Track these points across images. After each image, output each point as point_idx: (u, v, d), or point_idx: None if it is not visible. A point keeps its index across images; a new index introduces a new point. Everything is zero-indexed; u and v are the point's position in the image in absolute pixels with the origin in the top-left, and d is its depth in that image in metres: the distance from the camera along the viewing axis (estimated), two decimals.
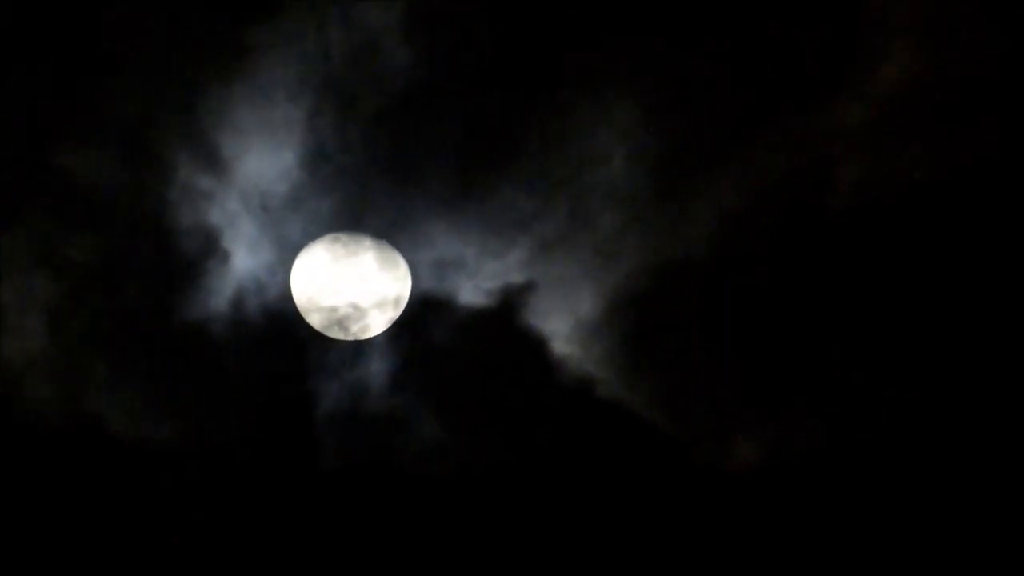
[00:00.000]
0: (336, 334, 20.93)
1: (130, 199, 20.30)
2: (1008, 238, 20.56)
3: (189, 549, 20.97)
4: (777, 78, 20.50)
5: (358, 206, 20.53)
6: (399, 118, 20.50)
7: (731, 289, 20.87)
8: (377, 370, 21.16)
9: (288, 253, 20.73)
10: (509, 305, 21.11)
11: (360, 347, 21.08)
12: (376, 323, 20.95)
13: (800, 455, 20.83)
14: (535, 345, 21.07)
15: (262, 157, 20.46)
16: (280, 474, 21.12)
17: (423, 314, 21.08)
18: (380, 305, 20.84)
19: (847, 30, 20.46)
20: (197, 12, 20.07)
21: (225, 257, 20.62)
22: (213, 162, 20.36)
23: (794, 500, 20.89)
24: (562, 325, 21.14)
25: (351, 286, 20.67)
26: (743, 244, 20.81)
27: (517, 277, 21.08)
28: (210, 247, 20.52)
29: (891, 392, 20.78)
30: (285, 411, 21.08)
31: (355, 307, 20.69)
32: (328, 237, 20.66)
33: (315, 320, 20.83)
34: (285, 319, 20.83)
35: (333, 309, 20.68)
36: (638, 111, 20.62)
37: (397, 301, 20.92)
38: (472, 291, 21.12)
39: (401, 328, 21.08)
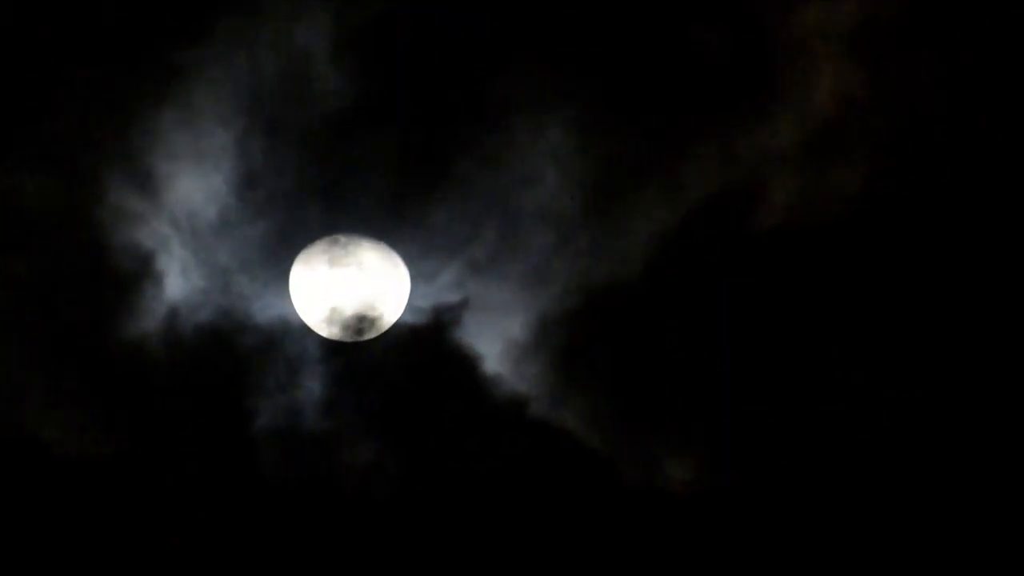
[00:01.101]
0: (336, 335, 21.10)
1: (63, 220, 20.43)
2: (934, 256, 20.75)
3: (130, 562, 21.11)
4: (707, 99, 20.64)
5: (288, 229, 20.66)
6: (330, 142, 20.66)
7: (662, 309, 21.00)
8: (313, 387, 21.28)
9: (218, 276, 20.84)
10: (441, 325, 21.24)
11: (298, 363, 21.21)
12: (376, 325, 21.11)
13: (730, 477, 20.94)
14: (467, 364, 21.20)
15: (193, 180, 20.59)
16: (218, 490, 21.24)
17: (359, 333, 21.20)
18: (379, 307, 20.97)
19: (776, 52, 20.60)
20: (129, 36, 20.20)
21: (159, 278, 20.75)
22: (145, 184, 20.49)
23: (725, 521, 21.01)
24: (494, 345, 21.26)
25: (350, 288, 20.78)
26: (673, 264, 20.94)
27: (449, 297, 21.21)
28: (143, 268, 20.65)
29: (822, 414, 20.92)
30: (222, 428, 21.19)
31: (354, 309, 20.82)
32: (327, 239, 20.80)
33: (314, 322, 21.00)
34: (220, 337, 20.95)
35: (333, 311, 20.81)
36: (569, 133, 20.76)
37: (396, 303, 21.08)
38: (406, 311, 21.26)
39: (336, 346, 21.22)
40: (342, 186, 20.78)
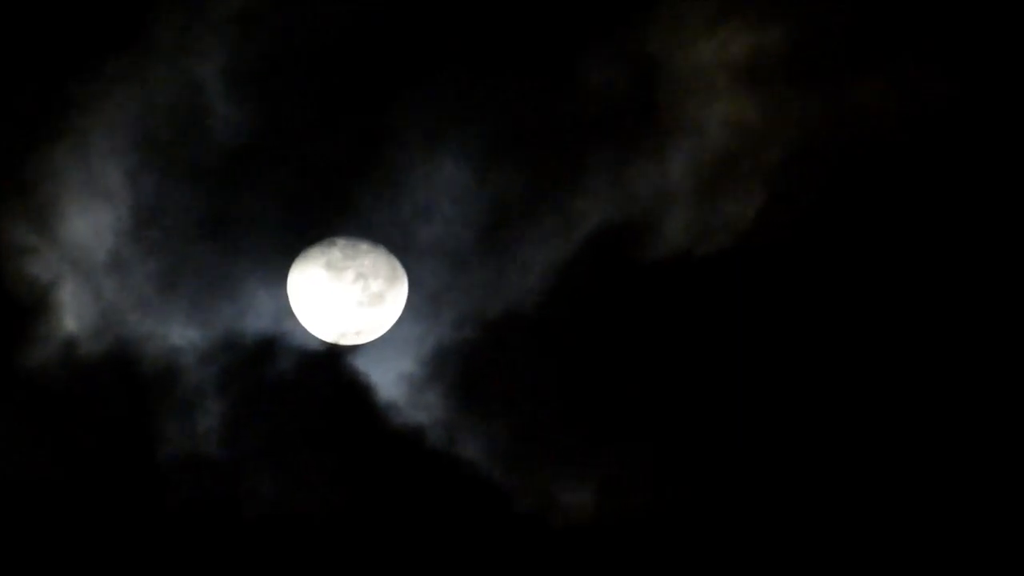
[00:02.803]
0: (335, 339, 21.18)
1: None
2: (825, 286, 20.84)
3: None
4: (600, 133, 20.70)
5: (180, 264, 20.76)
6: (224, 175, 20.71)
7: (557, 339, 21.07)
8: (215, 412, 21.34)
9: (113, 308, 20.93)
10: (338, 353, 21.31)
11: (197, 392, 21.26)
12: (374, 328, 21.18)
13: (629, 510, 20.98)
14: (362, 393, 21.27)
15: (87, 213, 20.67)
16: (116, 518, 21.31)
17: (255, 360, 21.28)
18: (378, 310, 21.04)
19: (669, 86, 20.65)
20: (21, 68, 20.30)
21: (54, 310, 20.85)
22: (39, 218, 20.59)
23: (621, 556, 21.05)
24: (390, 373, 21.33)
25: (349, 291, 20.86)
26: (568, 295, 21.02)
27: (347, 326, 21.26)
28: (39, 300, 20.76)
29: (719, 440, 20.99)
30: (121, 457, 21.27)
31: (353, 312, 20.90)
32: (325, 242, 20.89)
33: (312, 325, 21.11)
34: (116, 368, 21.04)
35: (333, 313, 20.90)
36: (463, 166, 20.82)
37: (394, 306, 21.15)
38: (303, 338, 21.32)
39: (235, 372, 21.29)
40: (237, 220, 20.87)
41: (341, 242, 20.77)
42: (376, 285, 20.94)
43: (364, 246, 20.85)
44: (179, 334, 21.00)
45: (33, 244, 20.65)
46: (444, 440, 21.24)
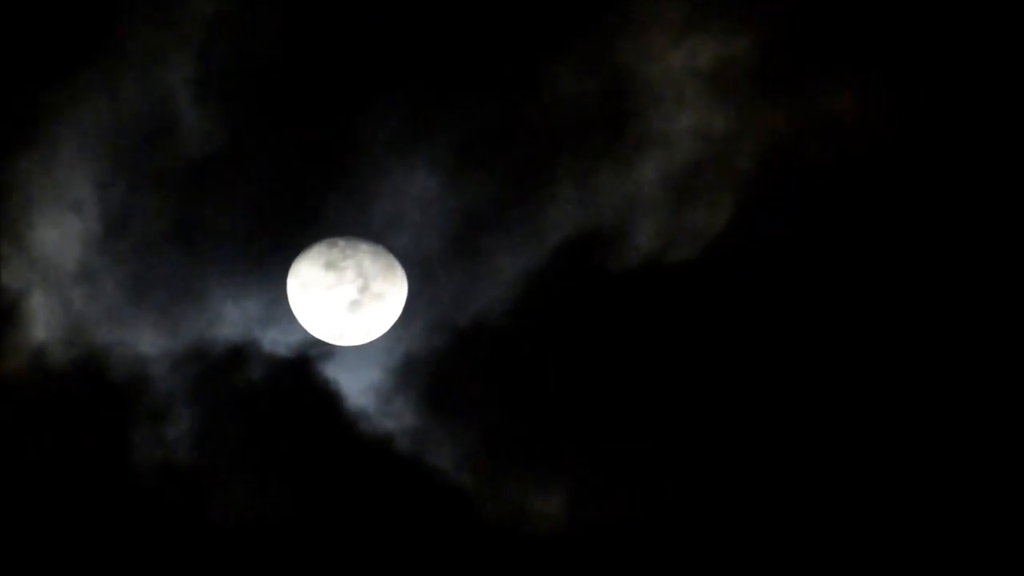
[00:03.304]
0: (333, 339, 21.14)
1: None
2: (796, 293, 20.93)
3: None
4: (570, 142, 20.78)
5: (148, 273, 20.74)
6: (194, 184, 20.70)
7: (527, 347, 21.09)
8: (185, 420, 21.29)
9: (83, 316, 20.87)
10: (308, 360, 21.31)
11: (166, 400, 21.22)
12: (374, 328, 21.13)
13: (598, 518, 21.00)
14: (331, 401, 21.27)
15: (56, 223, 20.63)
16: (91, 524, 21.23)
17: (224, 368, 21.24)
18: (376, 311, 21.00)
19: (639, 95, 20.76)
20: None
21: (23, 319, 20.78)
22: (7, 228, 20.53)
23: (592, 563, 21.07)
24: (361, 381, 21.35)
25: (347, 291, 20.81)
26: (538, 303, 21.05)
27: (320, 334, 21.26)
28: (7, 309, 20.69)
29: (688, 448, 21.03)
30: (94, 463, 21.19)
31: (352, 312, 20.86)
32: (325, 242, 20.84)
33: (311, 325, 21.05)
34: (89, 376, 20.97)
35: (330, 312, 20.85)
36: (434, 175, 20.88)
37: (393, 307, 21.12)
38: (273, 346, 21.32)
39: (204, 381, 21.25)
40: (206, 228, 20.85)
41: (342, 243, 20.78)
42: (377, 286, 21.02)
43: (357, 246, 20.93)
44: (148, 343, 20.96)
45: (3, 253, 20.59)
46: (414, 448, 21.24)
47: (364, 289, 20.65)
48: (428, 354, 21.25)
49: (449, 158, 20.85)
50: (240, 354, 21.20)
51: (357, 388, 21.31)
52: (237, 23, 20.61)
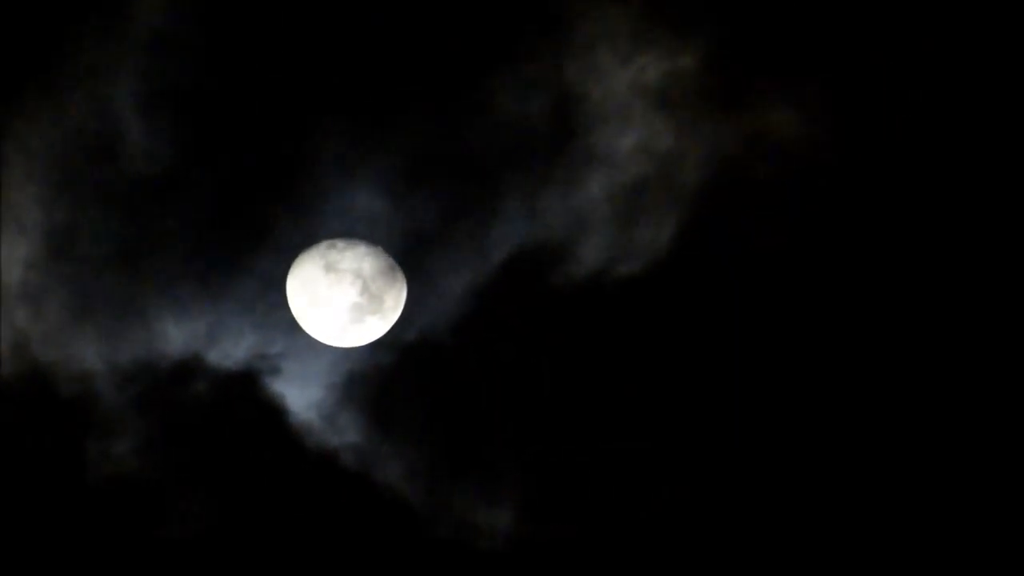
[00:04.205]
0: (332, 339, 21.13)
1: None
2: (743, 309, 21.09)
3: None
4: (516, 159, 20.85)
5: (94, 291, 20.69)
6: (139, 201, 20.68)
7: (473, 363, 21.21)
8: (132, 437, 21.29)
9: (26, 336, 20.83)
10: (254, 373, 21.34)
11: (114, 415, 21.22)
12: (373, 329, 21.13)
13: (545, 532, 21.13)
14: (277, 416, 21.32)
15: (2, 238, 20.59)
16: (41, 540, 21.24)
17: (173, 383, 21.26)
18: (376, 311, 20.98)
19: (584, 111, 20.84)
20: None
21: None
22: None
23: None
24: (307, 394, 21.39)
25: (346, 292, 20.78)
26: (485, 320, 21.15)
27: (267, 347, 21.30)
28: None
29: (634, 464, 21.18)
30: (42, 479, 21.19)
31: (351, 313, 20.83)
32: (324, 243, 20.81)
33: (310, 325, 21.03)
34: (35, 394, 20.95)
35: (330, 314, 20.82)
36: (379, 193, 20.92)
37: (393, 307, 21.11)
38: (221, 359, 21.32)
39: (151, 397, 21.26)
40: (153, 246, 20.84)
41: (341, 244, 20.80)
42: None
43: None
44: (94, 360, 20.93)
45: None
46: (360, 464, 21.31)
47: (364, 291, 20.69)
48: (373, 370, 21.35)
49: (395, 177, 20.92)
50: (185, 370, 21.21)
51: (303, 403, 21.39)
52: (184, 39, 20.56)
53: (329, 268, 20.67)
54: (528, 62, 20.70)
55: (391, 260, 20.88)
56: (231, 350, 21.24)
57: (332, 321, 20.81)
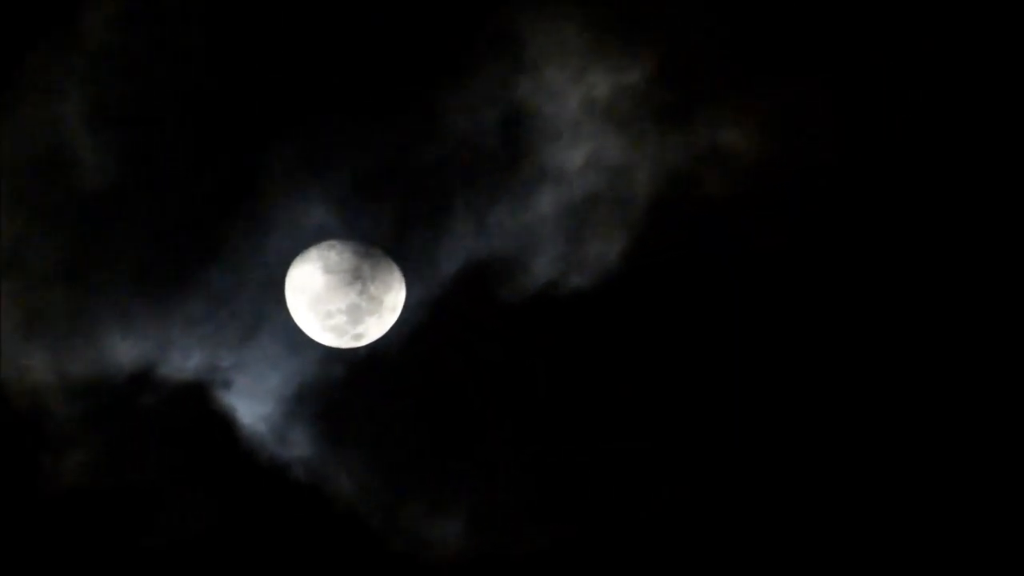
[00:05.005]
0: (331, 341, 21.14)
1: None
2: (692, 322, 21.20)
3: None
4: (467, 175, 20.87)
5: (42, 308, 20.66)
6: (88, 218, 20.63)
7: (424, 376, 21.34)
8: (82, 451, 21.32)
9: None
10: (205, 387, 21.38)
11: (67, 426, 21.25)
12: (372, 330, 21.16)
13: (496, 543, 21.27)
14: (229, 427, 21.40)
15: None
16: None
17: (124, 394, 21.30)
18: (376, 312, 20.99)
19: (535, 126, 20.86)
20: None
21: None
22: None
23: None
24: (259, 407, 21.44)
25: (346, 292, 20.77)
26: (434, 333, 21.25)
27: (217, 361, 21.33)
28: None
29: (587, 477, 21.30)
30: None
31: (350, 313, 20.82)
32: (323, 244, 20.79)
33: (309, 326, 21.04)
34: None
35: (328, 315, 20.81)
36: (330, 210, 20.91)
37: (393, 308, 21.12)
38: (172, 373, 21.34)
39: (101, 411, 21.29)
40: (102, 261, 20.81)
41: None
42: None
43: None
44: (45, 373, 20.94)
45: None
46: (311, 476, 21.42)
47: (363, 292, 20.69)
48: (325, 384, 21.42)
49: (345, 192, 20.92)
50: (136, 384, 21.23)
51: (254, 417, 21.44)
52: (133, 56, 20.46)
53: (328, 269, 20.71)
54: (479, 78, 20.69)
55: (391, 261, 20.93)
56: (182, 364, 21.25)
57: (330, 322, 20.86)
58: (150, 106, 20.57)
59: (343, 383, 21.37)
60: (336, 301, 20.60)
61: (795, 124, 20.85)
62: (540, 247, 20.99)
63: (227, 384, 21.38)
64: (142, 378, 21.22)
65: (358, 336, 21.00)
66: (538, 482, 21.29)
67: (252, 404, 21.43)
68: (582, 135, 20.88)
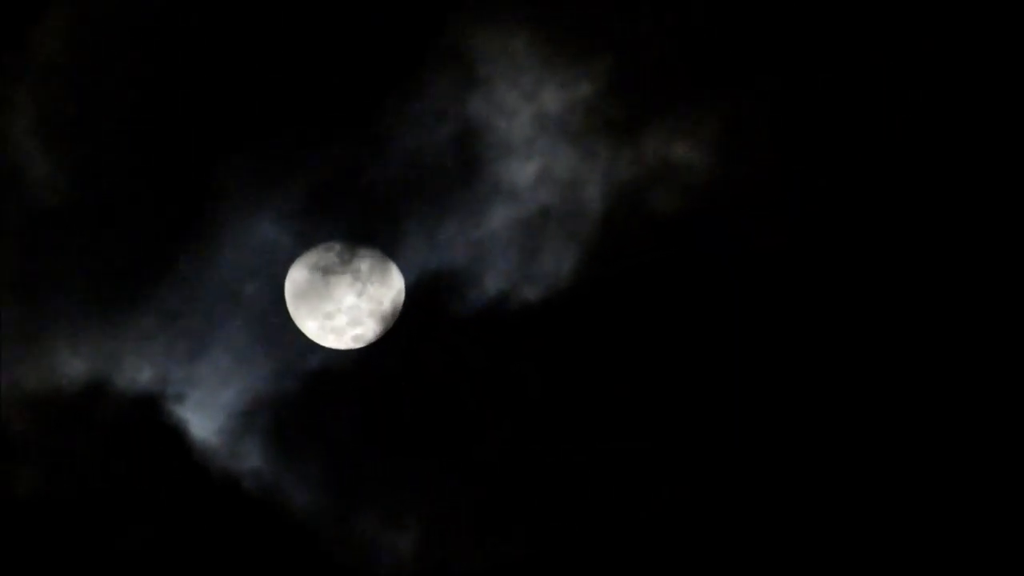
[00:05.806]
0: (330, 342, 21.16)
1: None
2: (645, 334, 21.27)
3: None
4: (421, 188, 20.92)
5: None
6: (37, 234, 20.61)
7: (376, 389, 21.42)
8: (36, 457, 21.37)
9: None
10: (157, 400, 21.41)
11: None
12: (371, 331, 21.16)
13: (448, 554, 21.38)
14: (181, 439, 21.44)
15: None
16: None
17: (76, 407, 21.32)
18: (375, 313, 21.00)
19: (487, 142, 20.89)
20: None
21: None
22: None
23: None
24: (212, 421, 21.50)
25: (345, 293, 20.77)
26: (388, 345, 21.33)
27: (172, 373, 21.36)
28: None
29: (541, 488, 21.42)
30: None
31: (349, 314, 20.83)
32: (322, 246, 20.79)
33: (308, 327, 21.04)
34: None
35: (328, 315, 20.83)
36: (283, 223, 20.96)
37: (393, 309, 21.13)
38: (124, 386, 21.38)
39: (53, 425, 21.33)
40: (53, 278, 20.81)
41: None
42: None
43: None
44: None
45: None
46: (263, 489, 21.48)
47: (361, 293, 20.73)
48: (277, 397, 21.48)
49: (297, 208, 20.95)
50: (87, 398, 21.27)
51: (206, 430, 21.50)
52: (83, 71, 20.43)
53: (327, 271, 20.74)
54: (430, 94, 20.72)
55: (390, 262, 20.97)
56: (134, 378, 21.30)
57: (329, 324, 20.91)
58: (101, 123, 20.56)
59: (295, 397, 21.47)
60: (334, 302, 20.74)
61: (744, 136, 20.96)
62: (492, 261, 21.07)
63: (179, 398, 21.46)
64: (95, 392, 21.28)
65: (355, 338, 21.15)
66: (490, 496, 21.41)
67: (204, 418, 21.50)
68: (534, 150, 20.95)
